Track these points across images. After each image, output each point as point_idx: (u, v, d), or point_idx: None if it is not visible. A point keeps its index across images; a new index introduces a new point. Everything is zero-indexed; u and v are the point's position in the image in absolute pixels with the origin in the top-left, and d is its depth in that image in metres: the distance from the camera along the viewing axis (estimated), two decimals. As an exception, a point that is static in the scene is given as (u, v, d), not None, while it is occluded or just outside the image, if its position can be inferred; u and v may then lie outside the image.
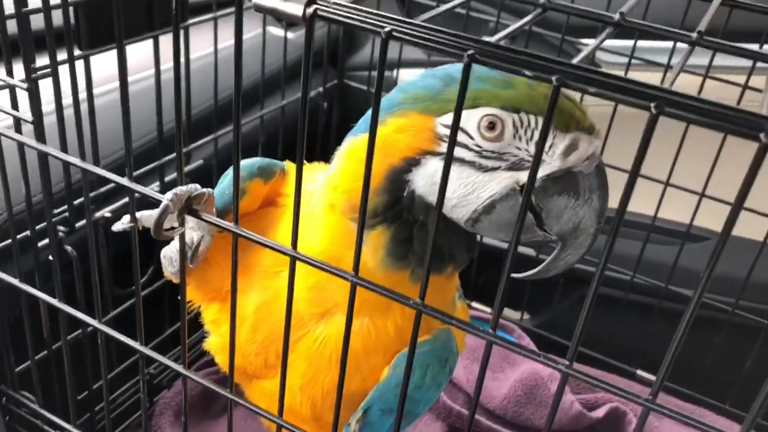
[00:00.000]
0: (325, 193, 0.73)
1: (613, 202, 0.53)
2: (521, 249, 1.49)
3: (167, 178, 1.16)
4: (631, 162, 0.43)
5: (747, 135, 0.40)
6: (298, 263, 0.59)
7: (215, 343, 0.84)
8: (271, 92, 1.42)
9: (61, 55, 0.85)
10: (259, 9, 0.50)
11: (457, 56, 0.45)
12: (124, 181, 0.66)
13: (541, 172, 0.65)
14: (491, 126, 0.65)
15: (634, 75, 0.43)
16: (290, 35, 1.47)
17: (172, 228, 0.64)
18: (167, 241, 0.80)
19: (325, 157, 0.78)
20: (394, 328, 0.74)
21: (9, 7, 0.79)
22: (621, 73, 0.43)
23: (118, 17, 0.67)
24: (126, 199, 1.06)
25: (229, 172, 0.82)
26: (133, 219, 0.71)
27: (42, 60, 0.83)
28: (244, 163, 0.79)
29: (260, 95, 1.36)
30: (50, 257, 0.89)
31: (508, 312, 1.61)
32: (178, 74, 0.61)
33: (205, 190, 0.67)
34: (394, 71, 1.55)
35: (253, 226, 0.64)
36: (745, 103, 1.04)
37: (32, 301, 0.91)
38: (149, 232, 0.64)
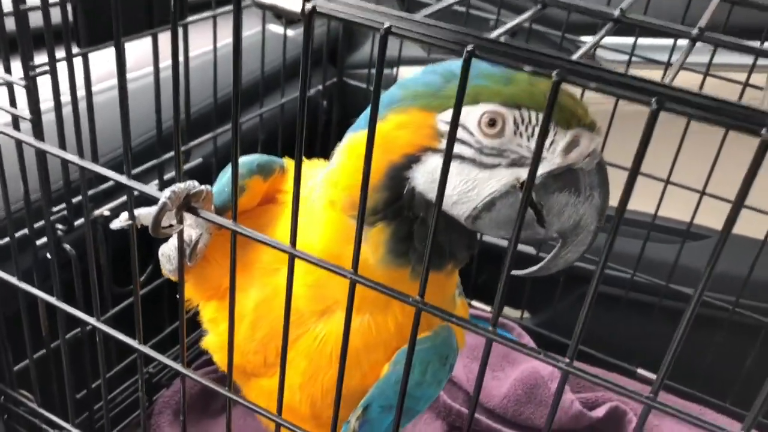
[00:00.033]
0: (324, 190, 0.72)
1: (614, 200, 0.53)
2: (521, 247, 1.49)
3: (166, 176, 1.15)
4: (632, 160, 0.43)
5: (748, 130, 0.40)
6: (297, 260, 0.59)
7: (214, 342, 0.84)
8: (271, 90, 1.42)
9: (60, 53, 0.85)
10: (258, 5, 0.50)
11: (456, 51, 0.45)
12: (123, 178, 0.66)
13: (542, 169, 0.65)
14: (492, 122, 0.64)
15: (635, 73, 0.43)
16: (290, 33, 1.47)
17: (171, 226, 0.64)
18: (166, 239, 0.80)
19: (325, 155, 0.78)
20: (395, 324, 0.74)
21: (7, 5, 0.78)
22: (621, 71, 0.43)
23: (117, 15, 0.66)
24: (125, 198, 1.06)
25: (228, 169, 0.81)
26: (132, 217, 0.71)
27: (40, 57, 0.82)
28: (243, 160, 0.79)
29: (260, 93, 1.36)
30: (49, 255, 0.89)
31: (508, 310, 1.61)
32: (177, 72, 0.61)
33: (203, 187, 0.67)
34: (394, 69, 1.55)
35: (252, 224, 0.63)
36: (746, 101, 1.04)
37: (31, 300, 0.90)
38: (148, 230, 0.64)
